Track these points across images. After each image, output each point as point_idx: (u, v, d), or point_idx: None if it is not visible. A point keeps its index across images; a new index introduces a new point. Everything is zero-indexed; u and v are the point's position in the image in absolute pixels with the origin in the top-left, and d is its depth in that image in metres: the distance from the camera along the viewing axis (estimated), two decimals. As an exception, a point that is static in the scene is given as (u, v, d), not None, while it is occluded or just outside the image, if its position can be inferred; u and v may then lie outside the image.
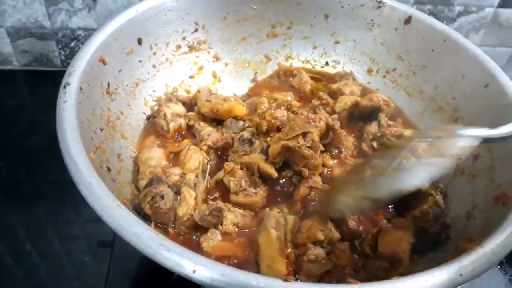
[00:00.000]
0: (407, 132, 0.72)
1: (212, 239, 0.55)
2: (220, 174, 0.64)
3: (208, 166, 0.63)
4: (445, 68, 0.75)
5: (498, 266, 0.77)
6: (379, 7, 0.82)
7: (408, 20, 0.80)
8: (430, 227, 0.62)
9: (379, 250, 0.59)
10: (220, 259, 0.53)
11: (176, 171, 0.61)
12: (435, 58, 0.77)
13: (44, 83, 1.01)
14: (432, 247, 0.60)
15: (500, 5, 1.05)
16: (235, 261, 0.55)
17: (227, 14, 0.83)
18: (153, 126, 0.73)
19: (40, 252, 0.72)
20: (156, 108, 0.74)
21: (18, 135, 0.92)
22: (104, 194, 0.46)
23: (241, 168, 0.65)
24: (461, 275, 0.43)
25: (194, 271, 0.41)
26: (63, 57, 1.05)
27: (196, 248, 0.54)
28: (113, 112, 0.66)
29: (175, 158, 0.69)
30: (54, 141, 0.51)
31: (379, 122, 0.74)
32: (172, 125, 0.71)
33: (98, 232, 0.74)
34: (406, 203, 0.65)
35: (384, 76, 0.86)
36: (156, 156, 0.65)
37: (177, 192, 0.59)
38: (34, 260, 0.70)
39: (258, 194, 0.63)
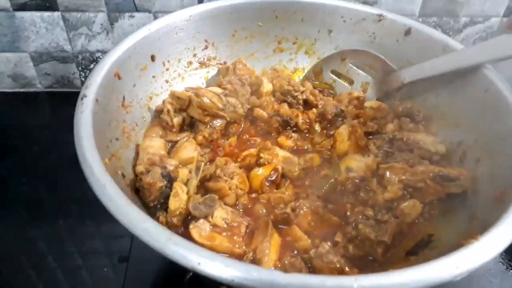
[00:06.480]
0: (418, 137, 0.72)
1: (202, 228, 0.56)
2: (211, 169, 0.66)
3: (202, 164, 0.65)
4: (445, 75, 0.76)
5: (511, 270, 0.76)
6: (380, 20, 0.85)
7: (408, 31, 0.82)
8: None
9: None
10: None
11: (172, 162, 0.63)
12: (436, 66, 0.78)
13: (66, 103, 1.02)
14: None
15: (506, 15, 1.05)
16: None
17: (235, 32, 0.88)
18: (159, 119, 0.76)
19: (60, 265, 0.74)
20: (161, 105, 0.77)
21: (41, 153, 0.96)
22: (117, 195, 0.49)
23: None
24: (457, 267, 0.44)
25: (199, 263, 0.43)
26: (83, 79, 1.10)
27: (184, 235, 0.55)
28: (128, 124, 0.70)
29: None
30: (75, 159, 0.53)
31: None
32: (176, 120, 0.75)
33: (117, 247, 0.77)
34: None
35: (388, 86, 0.88)
36: (156, 145, 0.68)
37: (166, 177, 0.61)
38: (55, 273, 0.73)
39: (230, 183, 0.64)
